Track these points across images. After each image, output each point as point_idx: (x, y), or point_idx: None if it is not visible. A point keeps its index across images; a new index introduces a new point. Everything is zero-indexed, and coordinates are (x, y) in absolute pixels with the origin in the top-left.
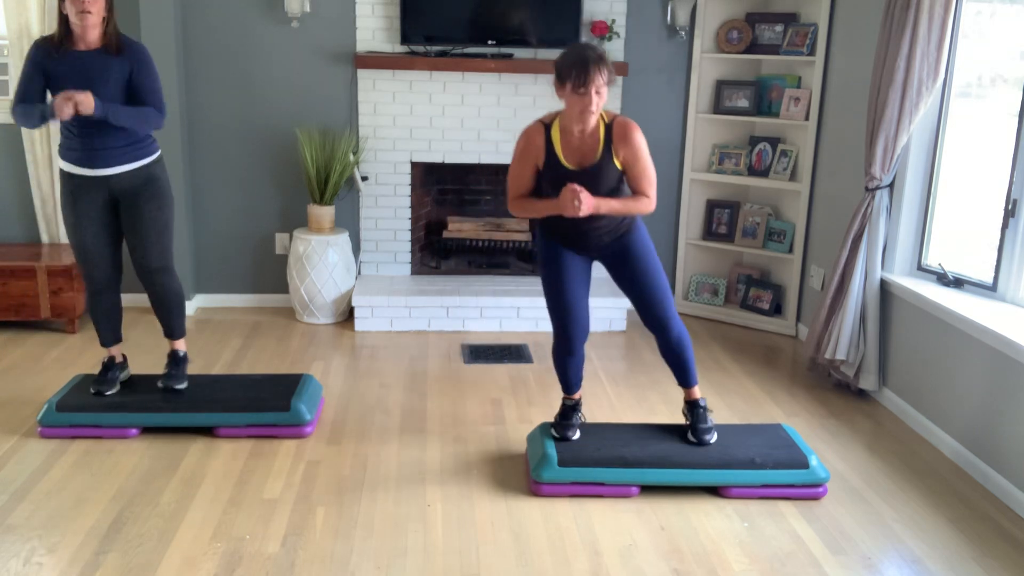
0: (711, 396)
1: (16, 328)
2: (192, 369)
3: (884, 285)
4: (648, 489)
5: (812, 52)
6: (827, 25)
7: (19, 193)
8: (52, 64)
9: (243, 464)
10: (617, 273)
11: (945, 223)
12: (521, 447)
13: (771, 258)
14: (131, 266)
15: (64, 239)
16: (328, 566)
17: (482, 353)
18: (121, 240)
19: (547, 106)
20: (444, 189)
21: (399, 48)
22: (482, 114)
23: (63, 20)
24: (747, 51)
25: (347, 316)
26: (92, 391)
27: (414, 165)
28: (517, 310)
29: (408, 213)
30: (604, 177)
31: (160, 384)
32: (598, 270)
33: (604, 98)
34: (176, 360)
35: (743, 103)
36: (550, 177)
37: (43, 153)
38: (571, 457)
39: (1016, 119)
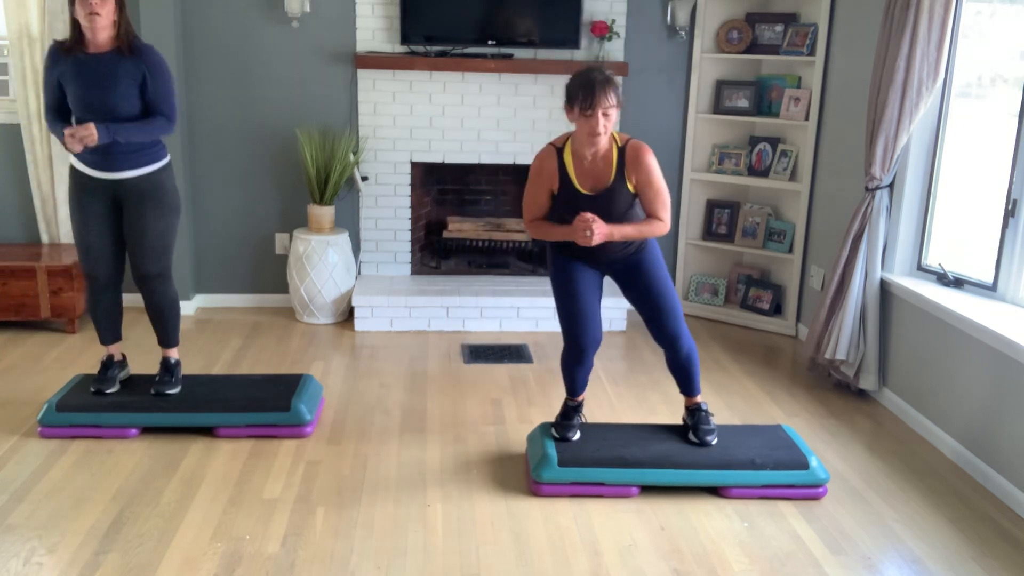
0: (711, 396)
1: (16, 328)
2: (192, 369)
3: (884, 285)
4: (648, 489)
5: (812, 52)
6: (827, 25)
7: (19, 193)
8: (64, 68)
9: (243, 464)
10: (628, 288)
11: (945, 223)
12: (521, 447)
13: (771, 258)
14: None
15: (64, 239)
16: (328, 566)
17: (482, 353)
18: (123, 242)
19: (547, 106)
20: (444, 189)
21: (399, 48)
22: (482, 114)
23: (75, 24)
24: (747, 51)
25: (347, 316)
26: (92, 390)
27: (414, 165)
28: (517, 310)
29: (408, 213)
30: (617, 201)
31: (153, 391)
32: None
33: (612, 121)
34: (168, 367)
35: (743, 103)
36: (564, 200)
37: (43, 153)
38: (571, 457)
39: (1016, 119)
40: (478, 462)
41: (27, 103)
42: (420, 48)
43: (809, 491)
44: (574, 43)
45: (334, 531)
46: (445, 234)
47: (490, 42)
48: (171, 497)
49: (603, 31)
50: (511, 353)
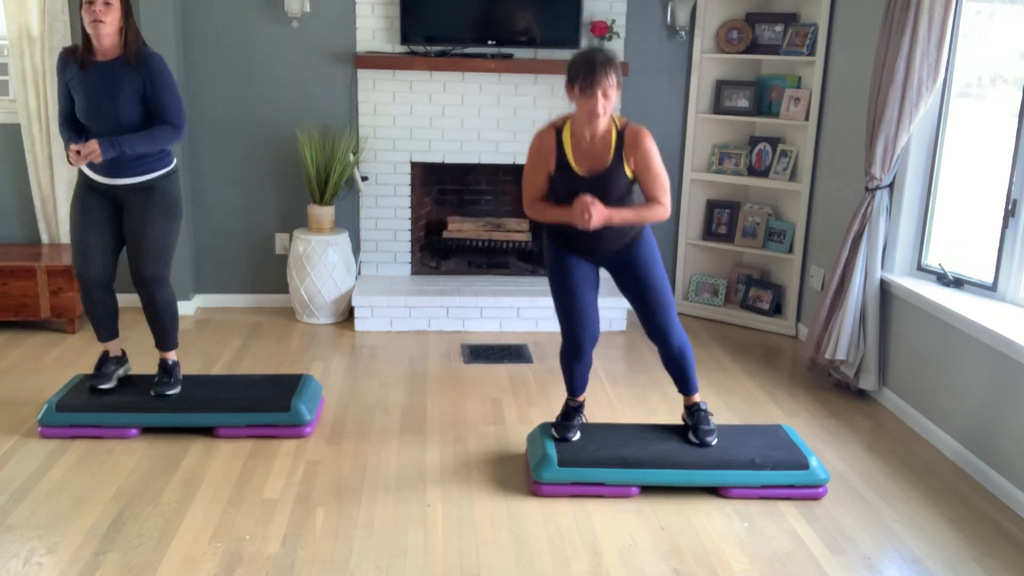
0: (711, 396)
1: (16, 328)
2: (192, 369)
3: (884, 285)
4: (648, 489)
5: (812, 52)
6: (827, 25)
7: (19, 193)
8: (71, 75)
9: (243, 464)
10: (622, 281)
11: (945, 223)
12: (521, 447)
13: (771, 258)
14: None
15: (64, 239)
16: (328, 566)
17: (482, 353)
18: (121, 243)
19: (547, 106)
20: (444, 189)
21: (399, 48)
22: (482, 114)
23: (85, 31)
24: (747, 51)
25: (347, 316)
26: (87, 386)
27: (414, 165)
28: (517, 310)
29: (408, 213)
30: (615, 184)
31: (152, 392)
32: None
33: (612, 101)
34: (166, 368)
35: (743, 103)
36: (561, 182)
37: (43, 153)
38: (571, 457)
39: (1016, 119)
40: (478, 462)
41: (27, 103)
42: (420, 48)
43: (809, 491)
44: (574, 43)
45: (334, 531)
46: (445, 234)
47: (490, 42)
48: (171, 497)
49: (603, 31)
50: (511, 353)
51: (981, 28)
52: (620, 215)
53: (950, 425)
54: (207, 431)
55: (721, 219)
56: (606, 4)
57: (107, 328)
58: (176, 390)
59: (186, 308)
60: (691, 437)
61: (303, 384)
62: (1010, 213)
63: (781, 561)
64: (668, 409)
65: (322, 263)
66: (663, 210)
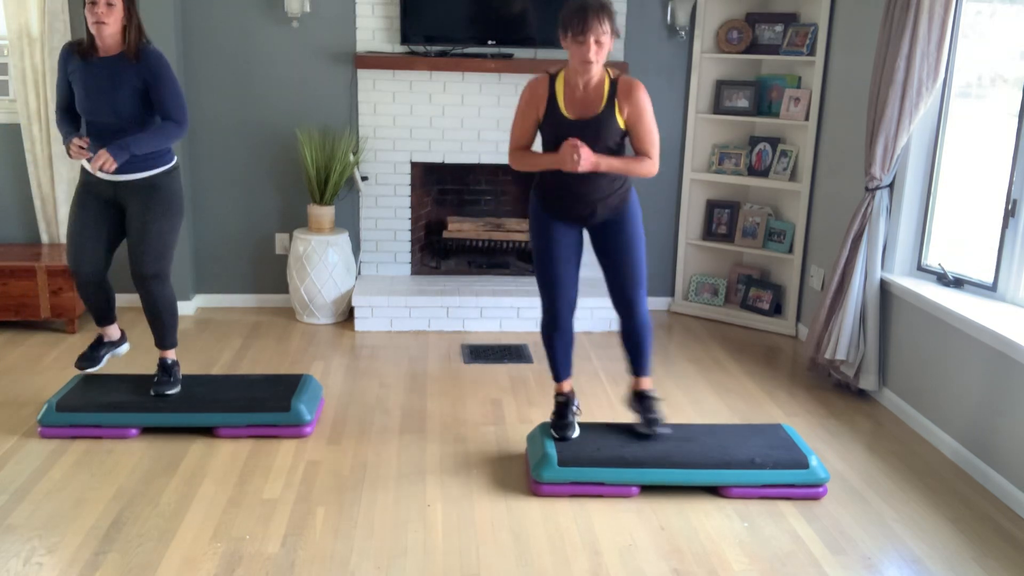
0: (711, 396)
1: (16, 328)
2: (192, 369)
3: (884, 285)
4: (648, 489)
5: (812, 52)
6: (827, 25)
7: (19, 193)
8: (74, 68)
9: (243, 464)
10: (601, 246)
11: (945, 223)
12: (521, 447)
13: (771, 258)
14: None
15: (64, 239)
16: (328, 566)
17: (482, 353)
18: (117, 241)
19: None
20: (444, 189)
21: (399, 48)
22: (482, 114)
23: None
24: (747, 51)
25: (347, 316)
26: (76, 365)
27: (414, 165)
28: (517, 310)
29: (408, 213)
30: (605, 131)
31: (152, 392)
32: (588, 253)
33: (606, 49)
34: (165, 367)
35: (743, 103)
36: (550, 127)
37: (43, 153)
38: (571, 457)
39: (1016, 119)
40: (478, 462)
41: (27, 103)
42: (420, 48)
43: (809, 491)
44: None
45: (334, 531)
46: (445, 234)
47: (490, 42)
48: (171, 497)
49: None
50: (511, 353)
51: (981, 28)
52: (608, 162)
53: (950, 425)
54: (207, 431)
55: (721, 219)
56: None
57: (101, 314)
58: (176, 390)
59: (186, 308)
60: (640, 428)
61: (303, 384)
62: (1010, 213)
63: (781, 561)
64: (668, 409)
65: (322, 263)
66: (652, 164)
